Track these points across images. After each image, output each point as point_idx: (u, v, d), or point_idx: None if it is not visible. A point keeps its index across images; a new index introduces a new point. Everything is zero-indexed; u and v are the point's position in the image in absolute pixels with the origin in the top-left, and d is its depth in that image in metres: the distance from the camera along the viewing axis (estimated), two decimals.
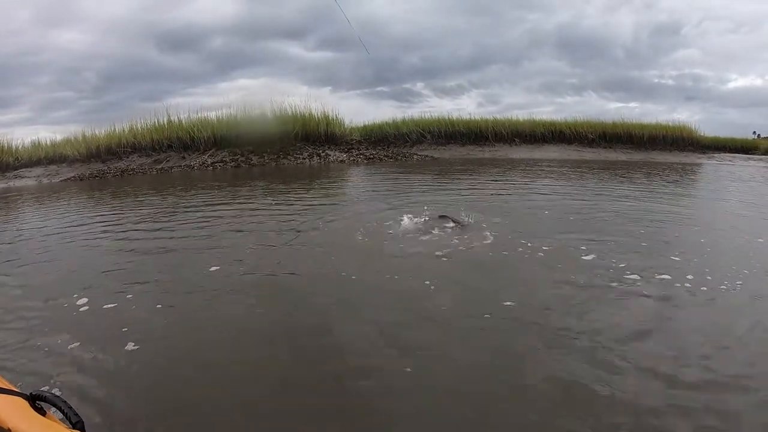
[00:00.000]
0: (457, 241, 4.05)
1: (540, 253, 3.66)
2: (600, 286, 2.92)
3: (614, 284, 2.94)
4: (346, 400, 1.86)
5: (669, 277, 3.05)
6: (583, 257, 3.57)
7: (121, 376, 2.07)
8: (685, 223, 5.05)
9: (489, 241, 4.02)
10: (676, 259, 3.47)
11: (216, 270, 3.46)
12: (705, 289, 2.86)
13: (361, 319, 2.57)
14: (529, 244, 3.86)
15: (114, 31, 28.07)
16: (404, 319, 2.56)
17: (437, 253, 3.73)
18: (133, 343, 2.32)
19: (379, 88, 33.63)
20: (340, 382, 1.98)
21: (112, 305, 2.85)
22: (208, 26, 30.51)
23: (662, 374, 1.95)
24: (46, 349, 2.32)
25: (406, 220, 4.59)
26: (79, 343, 2.33)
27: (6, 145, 13.22)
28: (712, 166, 13.79)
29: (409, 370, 2.05)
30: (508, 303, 2.70)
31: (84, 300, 2.95)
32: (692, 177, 10.88)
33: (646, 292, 2.82)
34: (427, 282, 3.02)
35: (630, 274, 3.10)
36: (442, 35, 35.19)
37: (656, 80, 31.30)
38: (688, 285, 2.92)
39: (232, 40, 31.59)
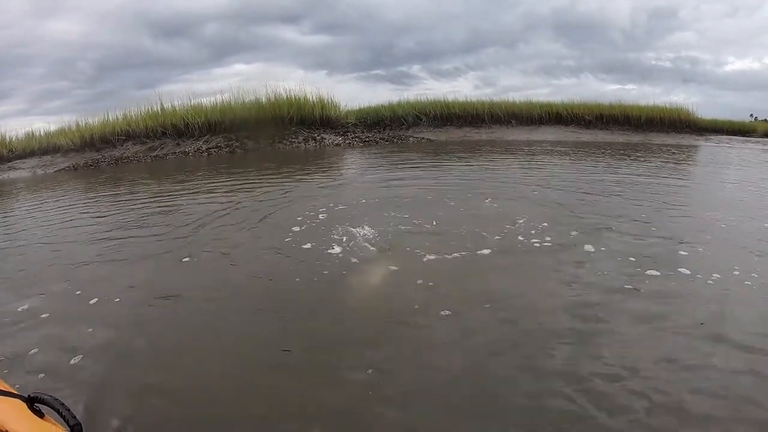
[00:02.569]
0: None
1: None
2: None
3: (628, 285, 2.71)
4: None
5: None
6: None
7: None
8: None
9: None
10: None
11: (188, 260, 3.34)
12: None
13: None
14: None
15: (107, 20, 27.97)
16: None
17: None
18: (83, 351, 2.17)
19: (375, 71, 33.65)
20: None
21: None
22: (201, 12, 30.35)
23: None
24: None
25: None
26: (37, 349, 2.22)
27: (0, 137, 13.13)
28: (711, 148, 13.75)
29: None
30: None
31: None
32: (695, 158, 10.86)
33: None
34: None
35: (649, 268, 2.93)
36: (437, 18, 35.11)
37: (653, 62, 31.22)
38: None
39: (226, 25, 31.44)
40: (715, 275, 2.71)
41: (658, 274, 2.73)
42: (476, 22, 34.21)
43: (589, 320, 2.20)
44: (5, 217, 6.02)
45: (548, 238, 3.39)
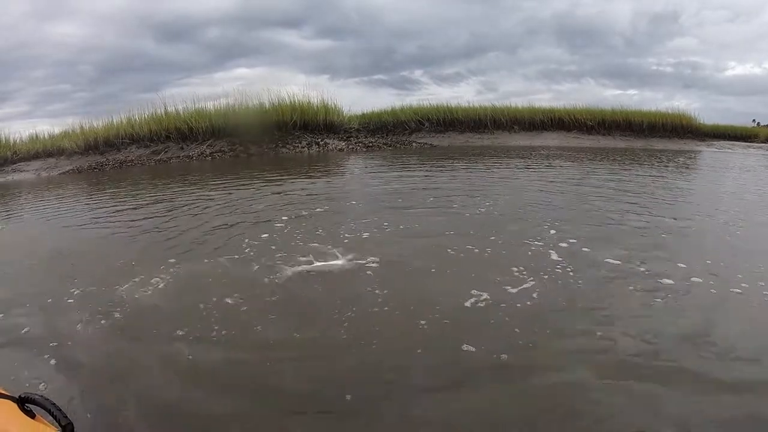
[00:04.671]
0: None
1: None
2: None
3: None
4: None
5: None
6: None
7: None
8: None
9: None
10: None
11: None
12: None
13: None
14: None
15: (109, 23, 28.07)
16: None
17: None
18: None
19: (377, 76, 33.75)
20: None
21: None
22: (204, 16, 30.53)
23: None
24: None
25: None
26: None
27: (4, 139, 13.18)
28: (713, 153, 13.76)
29: None
30: None
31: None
32: (699, 164, 10.86)
33: None
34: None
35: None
36: (438, 23, 35.27)
37: (654, 68, 31.35)
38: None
39: (228, 29, 31.60)
40: None
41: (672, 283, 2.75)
42: (477, 27, 34.36)
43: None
44: None
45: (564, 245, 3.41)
